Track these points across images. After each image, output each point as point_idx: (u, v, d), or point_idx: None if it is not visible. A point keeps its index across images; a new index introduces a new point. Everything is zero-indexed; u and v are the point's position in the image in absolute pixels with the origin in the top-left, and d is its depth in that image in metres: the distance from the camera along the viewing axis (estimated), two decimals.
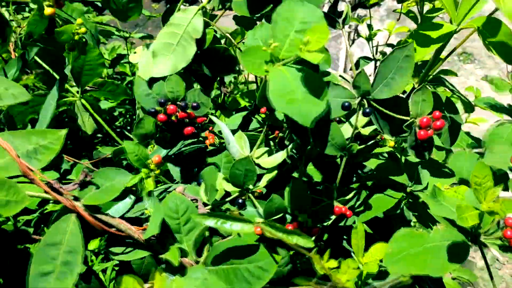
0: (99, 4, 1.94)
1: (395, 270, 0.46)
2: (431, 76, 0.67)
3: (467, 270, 1.40)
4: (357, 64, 1.12)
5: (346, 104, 0.51)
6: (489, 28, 0.53)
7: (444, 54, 0.62)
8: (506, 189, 0.48)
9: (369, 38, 1.14)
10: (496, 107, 0.79)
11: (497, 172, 0.60)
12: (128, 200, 0.51)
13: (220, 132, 0.68)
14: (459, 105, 0.69)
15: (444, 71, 0.67)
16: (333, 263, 0.43)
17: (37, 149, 0.41)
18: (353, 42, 2.93)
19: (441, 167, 0.65)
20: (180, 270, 0.44)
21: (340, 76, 0.80)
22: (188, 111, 0.58)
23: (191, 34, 0.56)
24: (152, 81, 0.59)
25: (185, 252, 0.46)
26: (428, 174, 0.61)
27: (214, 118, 0.59)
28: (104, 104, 1.21)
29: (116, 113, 1.41)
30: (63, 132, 0.42)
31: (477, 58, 2.74)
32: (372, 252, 0.49)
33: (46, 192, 0.42)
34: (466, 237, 0.49)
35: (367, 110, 0.51)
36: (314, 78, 0.40)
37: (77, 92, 0.75)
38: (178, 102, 0.58)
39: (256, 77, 0.98)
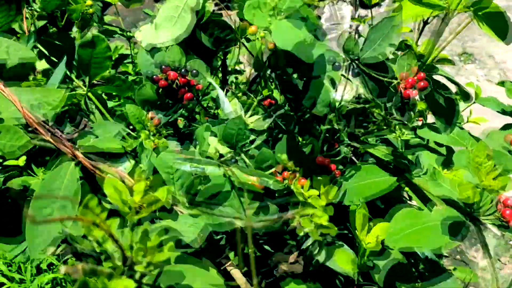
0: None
1: (398, 248, 0.47)
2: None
3: (469, 270, 1.40)
4: None
5: (337, 64, 0.56)
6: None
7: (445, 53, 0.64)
8: None
9: None
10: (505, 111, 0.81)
11: None
12: (128, 164, 0.53)
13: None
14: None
15: (441, 60, 0.68)
16: (312, 191, 0.46)
17: (41, 104, 0.44)
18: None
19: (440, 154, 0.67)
20: (172, 216, 0.47)
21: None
22: (188, 77, 0.61)
23: (191, 6, 0.60)
24: (154, 52, 0.63)
25: (176, 200, 0.49)
26: (427, 160, 0.63)
27: (211, 81, 0.61)
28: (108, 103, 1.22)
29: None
30: (66, 92, 0.44)
31: (478, 58, 2.75)
32: (375, 231, 0.50)
33: (46, 141, 0.43)
34: (465, 217, 0.50)
35: (356, 70, 0.55)
36: (311, 27, 0.49)
37: (84, 85, 0.77)
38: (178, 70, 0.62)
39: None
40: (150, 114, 0.56)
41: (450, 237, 0.46)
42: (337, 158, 0.59)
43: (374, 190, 0.61)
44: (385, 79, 0.55)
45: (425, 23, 0.79)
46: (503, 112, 0.77)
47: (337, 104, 0.57)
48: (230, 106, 0.57)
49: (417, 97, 0.61)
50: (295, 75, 0.58)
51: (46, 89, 0.44)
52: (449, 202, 0.53)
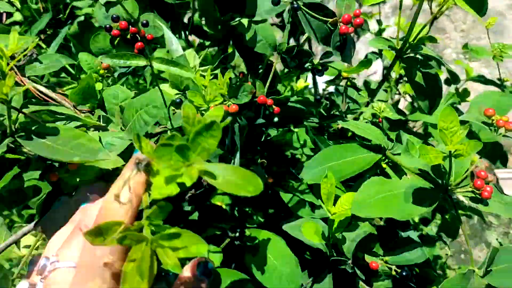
0: None
1: (362, 215, 0.46)
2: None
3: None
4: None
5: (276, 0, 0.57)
6: None
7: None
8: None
9: (379, 34, 1.14)
10: (486, 80, 0.80)
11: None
12: None
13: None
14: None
15: (428, 38, 0.67)
16: None
17: None
18: (358, 38, 2.93)
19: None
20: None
21: None
22: (139, 28, 0.62)
23: None
24: (111, 6, 0.65)
25: (110, 120, 0.52)
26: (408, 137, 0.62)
27: (163, 27, 0.62)
28: None
29: None
30: None
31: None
32: (342, 202, 0.49)
33: None
34: (437, 188, 0.49)
35: (295, 5, 0.56)
36: None
37: None
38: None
39: None
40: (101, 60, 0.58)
41: (415, 205, 0.45)
42: (278, 97, 0.58)
43: (354, 168, 0.60)
44: (325, 18, 0.56)
45: None
46: (485, 81, 0.76)
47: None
48: (179, 47, 0.56)
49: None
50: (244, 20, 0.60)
51: None
52: (422, 174, 0.53)
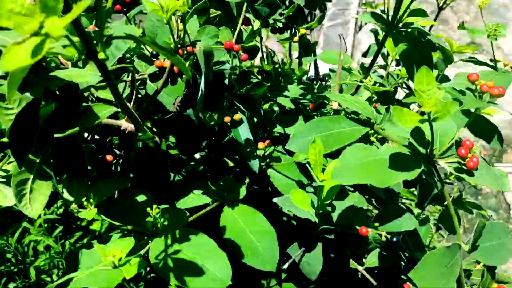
0: None
1: (342, 181, 0.46)
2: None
3: None
4: (366, 52, 1.10)
5: None
6: None
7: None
8: None
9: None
10: (478, 61, 0.79)
11: None
12: None
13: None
14: None
15: (417, 10, 0.66)
16: None
17: None
18: (360, 29, 2.91)
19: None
20: None
21: None
22: None
23: None
24: None
25: None
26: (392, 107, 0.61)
27: None
28: None
29: None
30: None
31: (486, 49, 2.75)
32: (330, 169, 0.48)
33: None
34: (420, 156, 0.49)
35: None
36: None
37: None
38: None
39: None
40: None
41: (396, 171, 0.45)
42: (245, 45, 0.57)
43: (340, 140, 0.59)
44: None
45: None
46: (477, 62, 0.76)
47: None
48: None
49: None
50: None
51: None
52: (408, 146, 0.52)
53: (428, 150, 0.48)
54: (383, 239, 0.55)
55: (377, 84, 0.75)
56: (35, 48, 0.23)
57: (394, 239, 0.55)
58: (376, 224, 0.54)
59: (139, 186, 0.66)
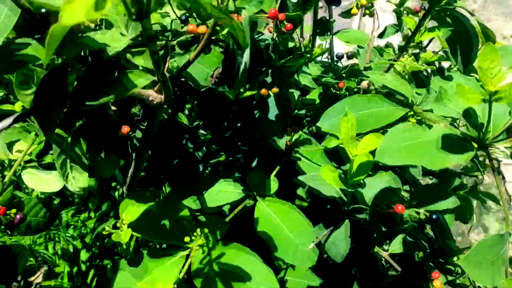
0: None
1: (388, 162, 0.43)
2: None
3: None
4: (382, 33, 1.06)
5: None
6: None
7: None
8: None
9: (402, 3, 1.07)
10: None
11: None
12: None
13: None
14: None
15: None
16: None
17: None
18: (364, 15, 2.83)
19: None
20: None
21: None
22: None
23: None
24: None
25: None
26: (439, 84, 0.57)
27: None
28: None
29: None
30: None
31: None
32: (364, 144, 0.45)
33: None
34: (473, 139, 0.46)
35: None
36: None
37: None
38: None
39: None
40: None
41: (448, 153, 0.42)
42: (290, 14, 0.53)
43: (377, 121, 0.56)
44: None
45: None
46: None
47: None
48: None
49: None
50: None
51: None
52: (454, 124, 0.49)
53: (481, 133, 0.45)
54: (422, 216, 0.52)
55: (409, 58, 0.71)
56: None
57: (434, 216, 0.52)
58: (414, 202, 0.51)
59: (158, 170, 0.63)
